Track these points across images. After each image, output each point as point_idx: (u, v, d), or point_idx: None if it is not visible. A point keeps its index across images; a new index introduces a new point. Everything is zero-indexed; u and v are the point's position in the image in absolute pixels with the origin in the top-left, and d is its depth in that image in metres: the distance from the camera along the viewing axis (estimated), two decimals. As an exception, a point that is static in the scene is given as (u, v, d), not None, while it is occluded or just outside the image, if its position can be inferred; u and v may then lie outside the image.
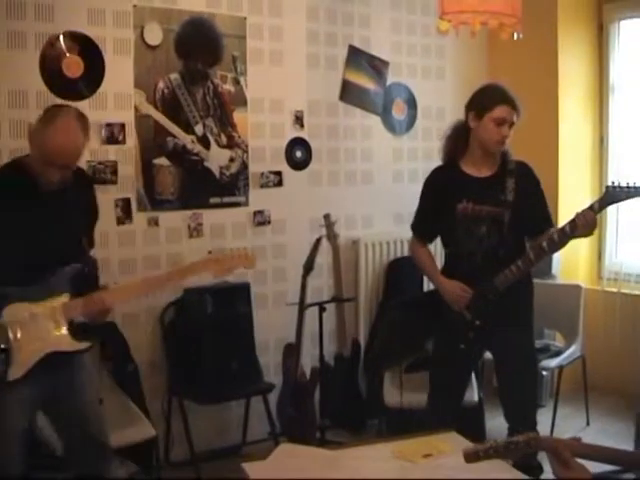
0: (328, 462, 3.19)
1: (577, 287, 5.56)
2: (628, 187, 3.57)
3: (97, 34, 4.61)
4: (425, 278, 5.45)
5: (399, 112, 5.97)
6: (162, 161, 4.90)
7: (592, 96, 6.36)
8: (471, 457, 2.53)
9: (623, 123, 6.32)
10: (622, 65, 6.31)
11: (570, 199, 5.89)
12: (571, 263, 6.16)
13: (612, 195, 3.62)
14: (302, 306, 4.90)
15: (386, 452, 3.26)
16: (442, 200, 3.97)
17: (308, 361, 5.17)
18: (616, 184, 3.61)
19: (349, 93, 5.70)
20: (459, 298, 3.91)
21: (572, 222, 3.64)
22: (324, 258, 5.28)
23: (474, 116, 3.90)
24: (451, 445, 3.21)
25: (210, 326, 4.83)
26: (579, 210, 3.63)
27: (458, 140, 3.99)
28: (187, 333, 4.83)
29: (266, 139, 5.32)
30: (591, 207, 3.64)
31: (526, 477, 3.08)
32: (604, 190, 3.67)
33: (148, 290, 3.68)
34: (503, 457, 2.60)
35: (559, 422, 5.28)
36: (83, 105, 4.56)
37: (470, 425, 4.50)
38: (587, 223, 3.61)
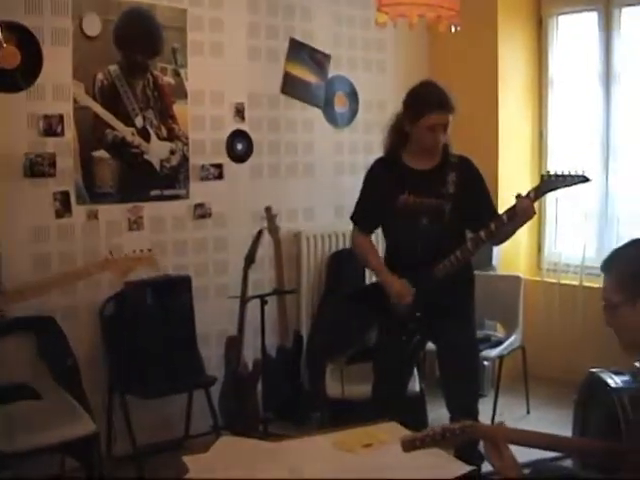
0: (268, 454, 3.19)
1: (517, 278, 5.66)
2: (563, 175, 3.65)
3: (34, 24, 4.52)
4: (367, 270, 5.49)
5: (340, 105, 5.99)
6: (101, 154, 4.85)
7: (531, 89, 6.45)
8: (408, 445, 2.55)
9: (562, 116, 6.42)
10: (560, 59, 6.40)
11: (510, 191, 5.84)
12: (511, 254, 6.24)
13: (547, 183, 3.68)
14: (244, 299, 4.91)
15: (327, 443, 3.26)
16: (383, 192, 3.99)
17: (250, 354, 5.13)
18: (552, 172, 3.68)
19: (290, 86, 5.69)
20: (402, 295, 3.94)
21: (511, 209, 3.69)
22: (265, 251, 5.28)
23: (408, 121, 3.91)
24: (391, 435, 3.21)
25: (151, 320, 4.80)
26: (518, 194, 3.71)
27: (399, 132, 4.00)
28: (128, 327, 4.78)
29: (206, 131, 5.30)
30: (527, 195, 3.70)
31: (464, 465, 3.09)
32: (540, 178, 3.74)
33: (42, 293, 3.61)
34: (440, 445, 2.62)
35: (499, 411, 5.35)
36: (20, 97, 4.51)
37: (412, 415, 4.53)
38: (524, 209, 3.67)
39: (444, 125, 3.86)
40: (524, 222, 3.77)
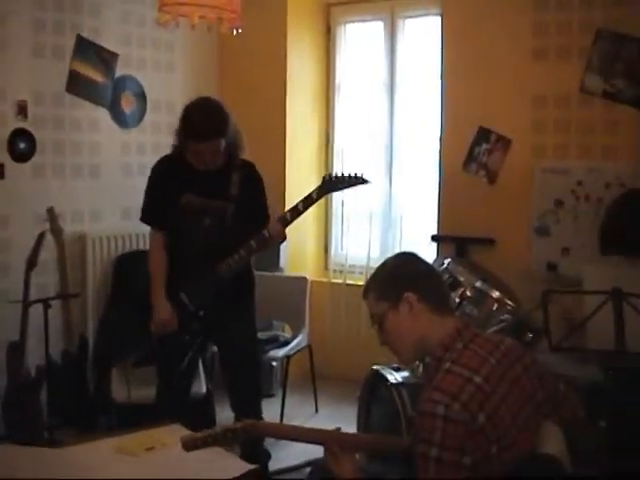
0: (47, 461, 3.12)
1: (303, 279, 5.75)
2: (343, 177, 3.81)
3: None
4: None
5: (128, 105, 5.90)
6: None
7: (319, 94, 6.62)
8: (189, 445, 2.57)
9: (348, 121, 6.64)
10: (348, 66, 6.61)
11: (297, 195, 6.03)
12: (298, 256, 6.37)
13: (328, 184, 3.85)
14: (26, 303, 4.75)
15: (109, 448, 3.22)
16: (166, 191, 3.99)
17: (35, 359, 4.98)
18: (333, 174, 3.84)
19: (76, 84, 5.54)
20: (161, 326, 3.98)
21: (262, 235, 3.86)
22: (49, 253, 5.13)
23: (181, 137, 3.92)
24: (174, 437, 3.21)
25: None
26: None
27: (180, 135, 3.97)
28: None
29: (-14, 130, 5.09)
30: (309, 195, 3.86)
31: (246, 464, 3.13)
32: (321, 180, 3.88)
33: None
34: (222, 444, 2.66)
35: (289, 410, 5.46)
36: None
37: (200, 416, 4.55)
38: (277, 234, 3.87)
39: (211, 151, 3.87)
40: (276, 244, 3.96)
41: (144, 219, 4.19)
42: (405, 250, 2.86)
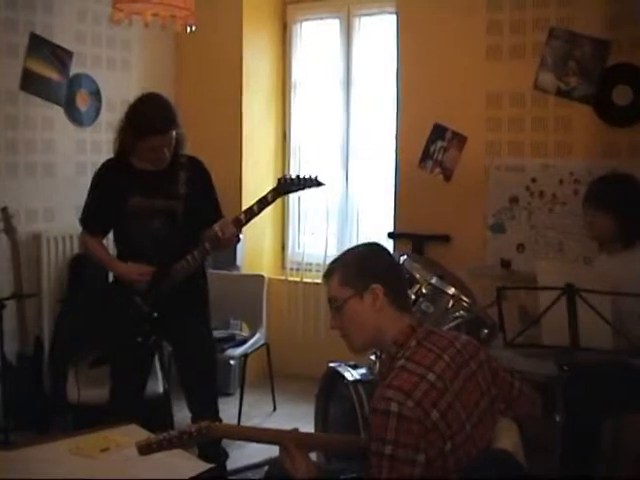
0: (2, 463, 3.09)
1: (260, 277, 5.75)
2: (298, 179, 3.82)
3: None
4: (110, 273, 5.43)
5: (83, 104, 5.84)
6: None
7: (276, 92, 6.62)
8: (144, 449, 2.56)
9: (305, 118, 6.65)
10: (304, 63, 6.62)
11: (253, 193, 6.05)
12: (255, 254, 6.36)
13: (283, 186, 3.85)
14: (-21, 304, 4.70)
15: (64, 449, 3.20)
16: (112, 194, 3.97)
17: (-12, 361, 4.94)
18: (287, 176, 3.85)
19: (30, 82, 5.48)
20: (137, 277, 3.95)
21: (214, 236, 3.83)
22: (3, 253, 5.08)
23: (131, 137, 3.89)
24: (130, 438, 3.19)
25: None
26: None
27: (128, 133, 3.95)
28: None
29: (-61, 128, 5.02)
30: (264, 197, 3.84)
31: (203, 464, 3.12)
32: (276, 182, 3.88)
33: None
34: (178, 447, 2.64)
35: (247, 409, 5.46)
36: None
37: (156, 416, 4.52)
38: (230, 237, 3.83)
39: (167, 144, 3.87)
40: (230, 246, 3.97)
41: (82, 221, 4.19)
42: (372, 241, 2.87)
